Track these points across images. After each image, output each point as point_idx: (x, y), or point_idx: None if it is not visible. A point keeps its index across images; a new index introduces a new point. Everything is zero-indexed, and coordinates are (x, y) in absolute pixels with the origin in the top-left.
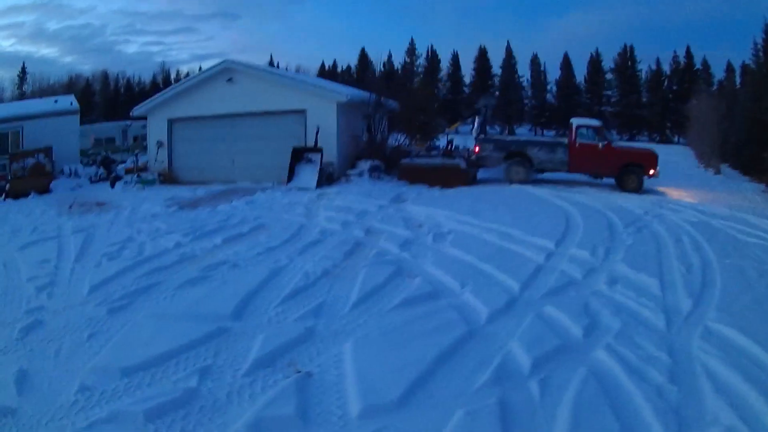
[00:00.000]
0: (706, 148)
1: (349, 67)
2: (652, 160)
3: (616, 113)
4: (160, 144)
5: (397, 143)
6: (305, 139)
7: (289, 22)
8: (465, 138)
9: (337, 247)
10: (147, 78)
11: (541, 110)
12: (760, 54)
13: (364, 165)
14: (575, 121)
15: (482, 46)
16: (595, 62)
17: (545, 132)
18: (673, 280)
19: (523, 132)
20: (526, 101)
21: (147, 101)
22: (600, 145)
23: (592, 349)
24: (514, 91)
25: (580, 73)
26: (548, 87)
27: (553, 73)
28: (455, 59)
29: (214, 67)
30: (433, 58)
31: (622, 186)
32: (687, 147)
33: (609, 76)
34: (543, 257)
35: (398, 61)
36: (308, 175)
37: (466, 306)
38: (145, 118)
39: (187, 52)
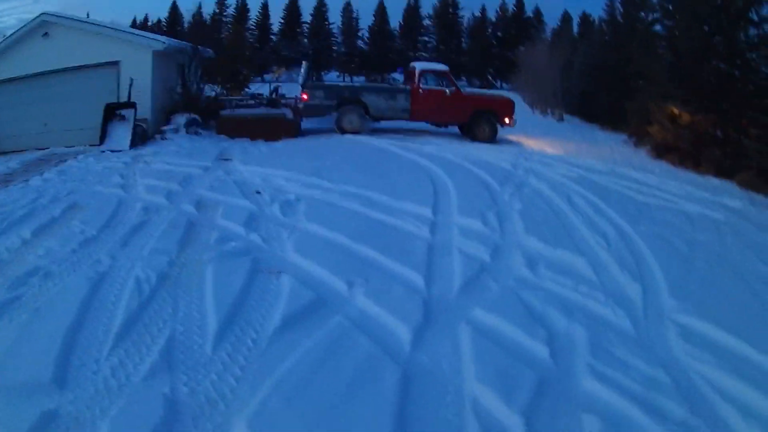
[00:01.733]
0: (541, 95)
1: (159, 21)
2: (507, 107)
3: (433, 59)
4: None
5: (214, 93)
6: (119, 94)
7: None
8: (267, 87)
9: (168, 231)
10: None
11: (351, 57)
12: (617, 5)
13: (180, 119)
14: (418, 66)
15: None
16: (412, 9)
17: (354, 78)
18: (599, 257)
19: (331, 78)
20: (335, 48)
21: None
22: (447, 91)
23: (579, 379)
24: (324, 39)
25: (396, 22)
26: (360, 34)
27: (367, 21)
28: (264, 8)
29: (31, 21)
30: (242, 8)
31: (472, 136)
32: (514, 93)
33: (427, 22)
34: (427, 230)
35: (208, 12)
36: (121, 134)
37: (370, 321)
38: None
39: (15, 18)
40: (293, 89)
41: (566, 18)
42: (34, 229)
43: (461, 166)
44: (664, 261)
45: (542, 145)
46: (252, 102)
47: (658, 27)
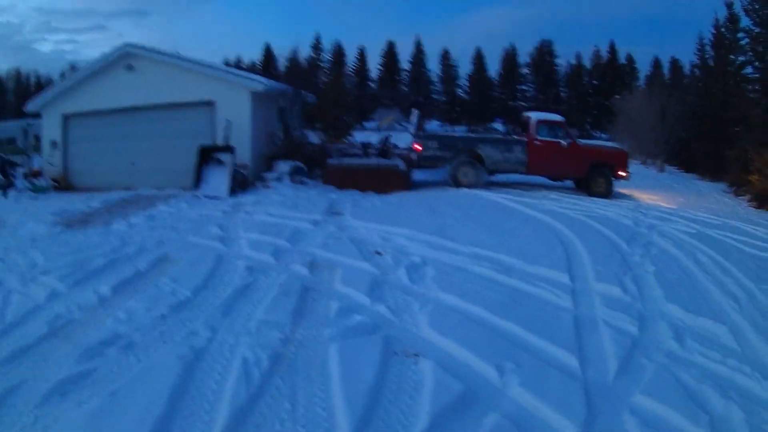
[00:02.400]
0: (640, 145)
1: (254, 63)
2: (623, 159)
3: (532, 108)
4: (54, 144)
5: (319, 140)
6: (214, 136)
7: (196, 19)
8: (370, 135)
9: (279, 298)
10: (57, 77)
11: (452, 105)
12: (708, 49)
13: (284, 167)
14: (534, 116)
15: (390, 41)
16: (510, 57)
17: (455, 127)
18: (735, 322)
19: (433, 127)
20: (435, 96)
21: (40, 95)
22: (564, 143)
23: None
24: (423, 86)
25: (494, 69)
26: (459, 82)
27: (464, 68)
28: (362, 54)
29: (112, 52)
30: (338, 53)
31: (588, 190)
32: (615, 142)
33: (525, 71)
34: (569, 299)
35: (303, 57)
36: (218, 180)
37: (531, 417)
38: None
39: (97, 51)
40: (398, 138)
41: (657, 64)
42: (115, 284)
43: (584, 223)
44: None
45: (653, 197)
46: (358, 151)
47: (749, 69)
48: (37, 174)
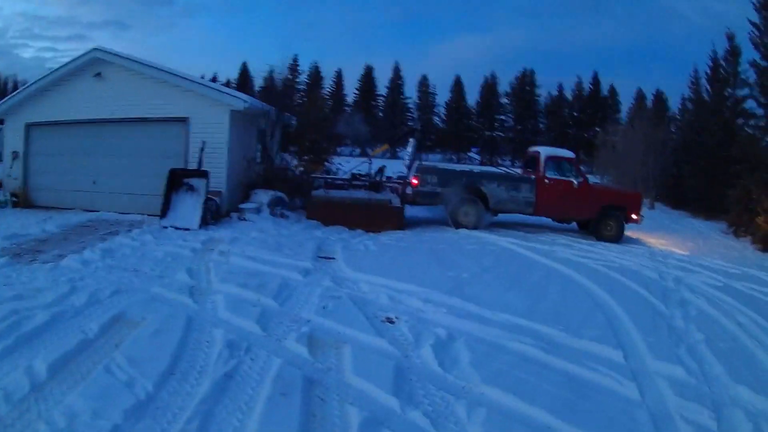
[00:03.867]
0: (627, 180)
1: (228, 81)
2: (636, 202)
3: (510, 138)
4: (15, 155)
5: (301, 168)
6: (186, 158)
7: (176, 35)
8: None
9: (274, 400)
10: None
11: (427, 134)
12: (704, 83)
13: (263, 197)
14: (544, 151)
15: (368, 65)
16: (490, 86)
17: (430, 157)
18: None
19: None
20: (411, 123)
21: (3, 100)
22: (575, 182)
23: None
24: (399, 113)
25: (473, 98)
26: (436, 110)
27: (443, 96)
28: (339, 77)
29: (80, 56)
30: (315, 75)
31: (596, 233)
32: (593, 176)
33: (504, 101)
34: (633, 387)
35: (279, 78)
36: (189, 209)
37: None
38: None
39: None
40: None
41: (641, 96)
42: (55, 359)
43: (609, 277)
44: None
45: (662, 242)
46: (340, 182)
47: (752, 104)
48: None
